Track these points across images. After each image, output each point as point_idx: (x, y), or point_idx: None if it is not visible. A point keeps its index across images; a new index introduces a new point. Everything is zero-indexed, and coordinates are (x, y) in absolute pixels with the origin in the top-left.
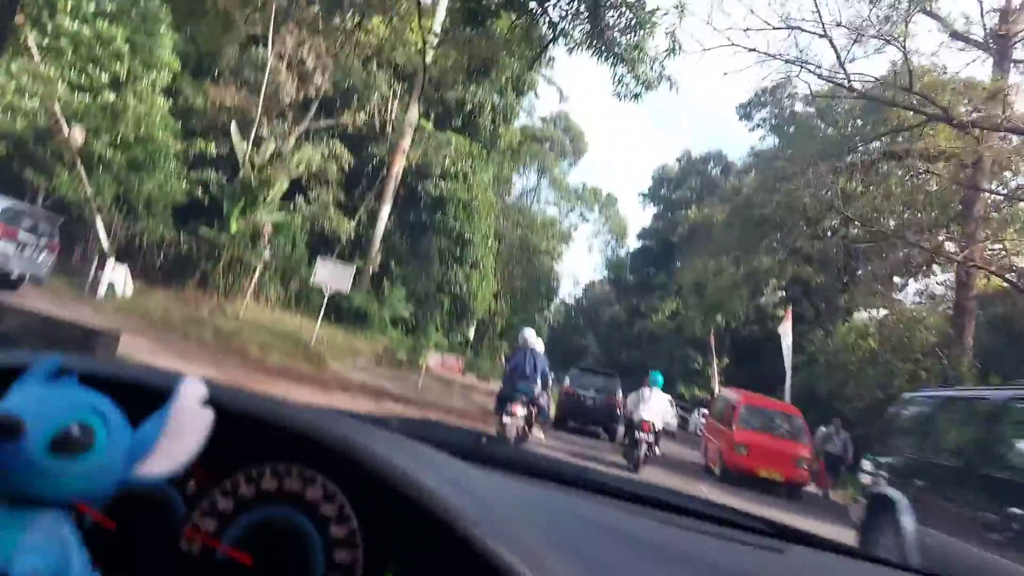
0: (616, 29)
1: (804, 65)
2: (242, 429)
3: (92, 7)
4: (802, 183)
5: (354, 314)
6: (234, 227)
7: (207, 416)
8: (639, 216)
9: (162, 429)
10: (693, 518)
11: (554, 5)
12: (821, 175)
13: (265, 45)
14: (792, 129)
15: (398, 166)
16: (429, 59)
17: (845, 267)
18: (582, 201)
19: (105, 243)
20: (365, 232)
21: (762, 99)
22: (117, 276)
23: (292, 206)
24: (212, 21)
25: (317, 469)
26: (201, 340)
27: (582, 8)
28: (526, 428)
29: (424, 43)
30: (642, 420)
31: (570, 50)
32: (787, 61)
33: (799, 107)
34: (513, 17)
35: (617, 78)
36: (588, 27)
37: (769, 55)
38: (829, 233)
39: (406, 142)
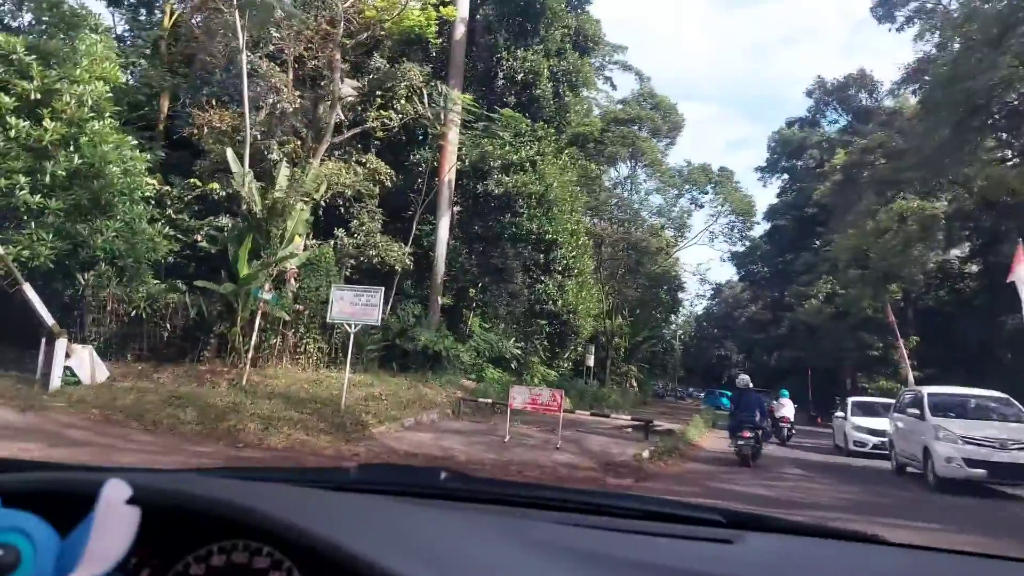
0: None
1: None
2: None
3: None
4: None
5: (424, 356)
6: (243, 272)
7: (133, 515)
8: (759, 196)
9: (89, 535)
10: (642, 519)
11: None
12: None
13: (253, 48)
14: None
15: (448, 168)
16: (460, 34)
17: None
18: (690, 182)
19: (46, 317)
20: (424, 255)
21: None
22: (78, 359)
23: (330, 238)
24: None
25: (264, 539)
26: (187, 425)
27: None
28: (757, 447)
29: None
30: (783, 416)
31: None
32: None
33: None
34: None
35: None
36: None
37: None
38: None
39: (453, 136)
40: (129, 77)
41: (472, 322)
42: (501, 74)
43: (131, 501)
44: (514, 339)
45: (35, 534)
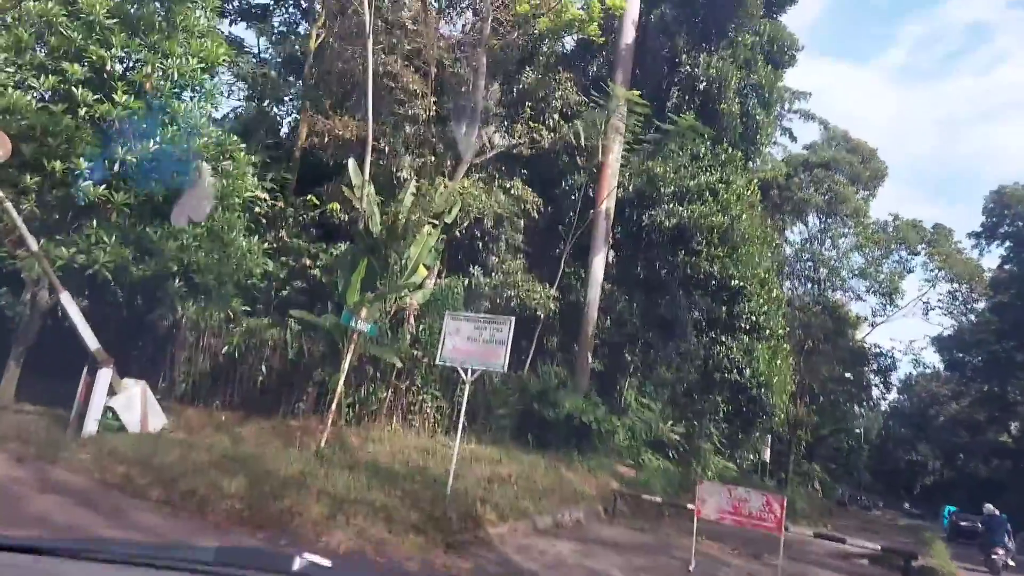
0: None
1: None
2: None
3: None
4: None
5: (568, 429)
6: (352, 300)
7: None
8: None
9: None
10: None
11: None
12: None
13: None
14: None
15: (607, 193)
16: (629, 35)
17: None
18: (897, 241)
19: (88, 339)
20: (572, 303)
21: None
22: (126, 398)
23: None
24: None
25: None
26: (227, 501)
27: None
28: (1006, 562)
29: None
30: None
31: None
32: None
33: None
34: None
35: None
36: None
37: None
38: None
39: (614, 157)
40: (274, 107)
41: (628, 391)
42: (677, 83)
43: None
44: (674, 418)
45: None
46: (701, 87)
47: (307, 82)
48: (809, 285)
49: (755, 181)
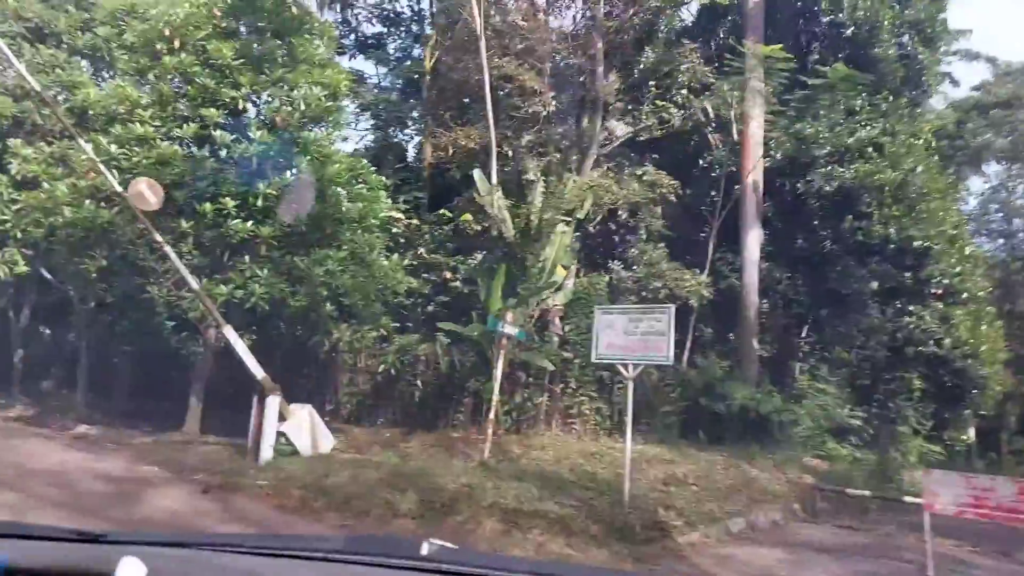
0: None
1: None
2: None
3: None
4: None
5: (742, 422)
6: (495, 308)
7: None
8: None
9: None
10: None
11: None
12: None
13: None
14: None
15: (752, 166)
16: None
17: None
18: None
19: (254, 369)
20: (726, 287)
21: None
22: (296, 422)
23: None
24: None
25: None
26: (402, 519)
27: None
28: None
29: None
30: None
31: None
32: None
33: None
34: None
35: None
36: None
37: None
38: None
39: (755, 127)
40: (399, 132)
41: (801, 377)
42: (818, 35)
43: None
44: (857, 401)
45: None
46: (847, 33)
47: (426, 101)
48: (1002, 241)
49: (928, 129)
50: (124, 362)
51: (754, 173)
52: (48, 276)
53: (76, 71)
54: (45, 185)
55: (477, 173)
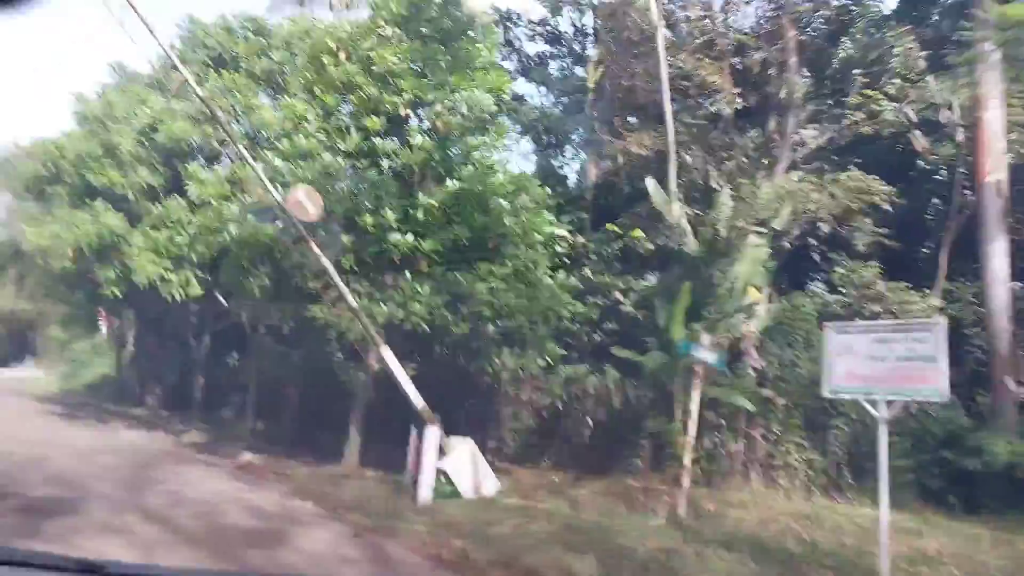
0: None
1: None
2: None
3: None
4: None
5: (1008, 484)
6: (678, 338)
7: None
8: None
9: None
10: None
11: None
12: None
13: None
14: None
15: (991, 163)
16: None
17: None
18: None
19: (413, 396)
20: (967, 309)
21: None
22: (456, 460)
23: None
24: None
25: None
26: None
27: None
28: None
29: None
30: None
31: None
32: None
33: None
34: None
35: None
36: None
37: None
38: None
39: (993, 116)
40: (560, 153)
41: None
42: None
43: None
44: None
45: None
46: None
47: (591, 113)
48: None
49: None
50: (291, 388)
51: (996, 171)
52: (222, 300)
53: (252, 95)
54: (214, 205)
55: (651, 182)
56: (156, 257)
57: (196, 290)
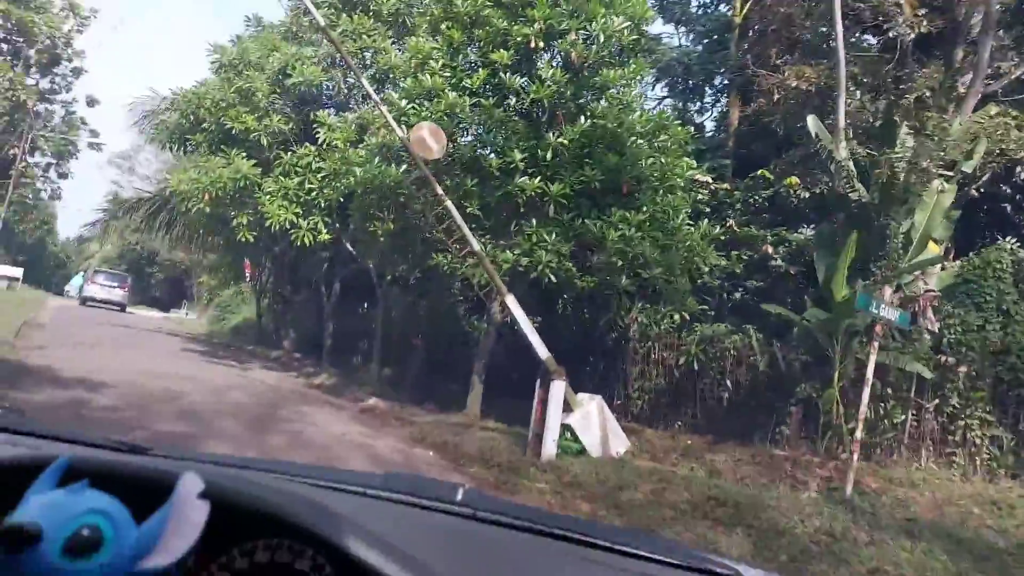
0: None
1: None
2: (240, 511)
3: None
4: None
5: None
6: (840, 294)
7: (204, 508)
8: None
9: (164, 524)
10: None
11: None
12: None
13: None
14: None
15: None
16: None
17: None
18: None
19: (538, 347)
20: None
21: None
22: (583, 416)
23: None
24: None
25: (309, 543)
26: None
27: None
28: None
29: None
30: None
31: None
32: None
33: None
34: None
35: None
36: None
37: None
38: None
39: None
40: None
41: None
42: None
43: (202, 495)
44: None
45: (117, 518)
46: None
47: (736, 54)
48: None
49: None
50: (415, 337)
51: None
52: (349, 247)
53: (380, 37)
54: (340, 147)
55: (812, 119)
56: (287, 203)
57: (325, 236)
